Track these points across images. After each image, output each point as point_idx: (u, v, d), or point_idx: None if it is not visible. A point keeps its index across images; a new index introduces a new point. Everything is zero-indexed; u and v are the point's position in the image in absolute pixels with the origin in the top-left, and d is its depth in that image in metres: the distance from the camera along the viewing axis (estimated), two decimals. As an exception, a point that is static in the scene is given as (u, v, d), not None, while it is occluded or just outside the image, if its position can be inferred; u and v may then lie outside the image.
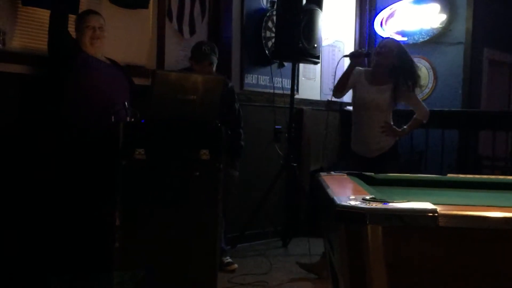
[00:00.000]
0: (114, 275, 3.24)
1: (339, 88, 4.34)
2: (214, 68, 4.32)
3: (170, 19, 4.75)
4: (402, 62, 4.26)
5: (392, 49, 4.26)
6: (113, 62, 3.85)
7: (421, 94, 6.70)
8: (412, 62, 4.35)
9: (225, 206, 4.33)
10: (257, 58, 5.48)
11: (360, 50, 4.29)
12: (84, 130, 3.48)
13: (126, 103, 3.52)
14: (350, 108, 6.25)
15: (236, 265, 4.40)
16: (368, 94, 4.24)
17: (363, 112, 4.27)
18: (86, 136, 3.47)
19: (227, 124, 4.36)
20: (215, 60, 4.32)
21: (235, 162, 4.50)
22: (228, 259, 4.42)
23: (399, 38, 6.77)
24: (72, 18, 3.77)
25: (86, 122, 3.51)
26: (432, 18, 6.61)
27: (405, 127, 4.40)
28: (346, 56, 4.48)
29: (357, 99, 4.31)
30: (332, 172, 2.87)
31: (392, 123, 4.36)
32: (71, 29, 3.73)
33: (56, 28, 3.56)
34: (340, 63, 4.58)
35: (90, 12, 3.81)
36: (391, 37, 4.70)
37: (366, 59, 4.75)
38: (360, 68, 4.39)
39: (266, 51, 5.52)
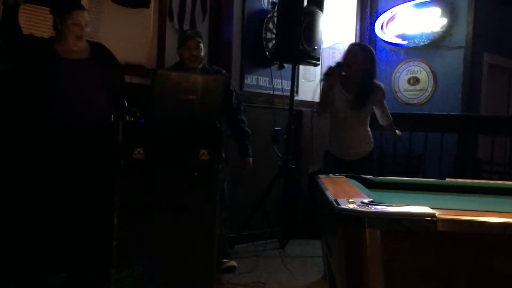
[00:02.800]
0: (112, 272, 3.24)
1: (324, 108, 4.35)
2: (202, 53, 4.22)
3: (171, 19, 4.75)
4: (371, 64, 4.33)
5: (357, 54, 4.28)
6: (94, 50, 3.61)
7: (421, 97, 6.73)
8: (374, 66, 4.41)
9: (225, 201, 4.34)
10: (257, 59, 5.48)
11: (332, 67, 4.23)
12: (76, 130, 3.44)
13: (126, 102, 3.51)
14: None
15: (234, 262, 4.37)
16: (349, 103, 4.25)
17: (345, 118, 4.29)
18: (84, 135, 3.45)
19: (227, 113, 4.36)
20: (201, 41, 4.22)
21: (248, 150, 4.47)
22: (226, 260, 4.39)
23: (399, 41, 6.79)
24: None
25: (61, 122, 3.43)
26: (433, 22, 6.61)
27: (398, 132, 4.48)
28: (322, 79, 4.42)
29: (339, 108, 4.30)
30: (331, 175, 2.87)
31: (368, 126, 4.43)
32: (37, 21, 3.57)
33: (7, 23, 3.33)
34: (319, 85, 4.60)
35: (77, 6, 3.56)
36: (354, 42, 4.67)
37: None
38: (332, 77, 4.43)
39: (267, 52, 5.52)
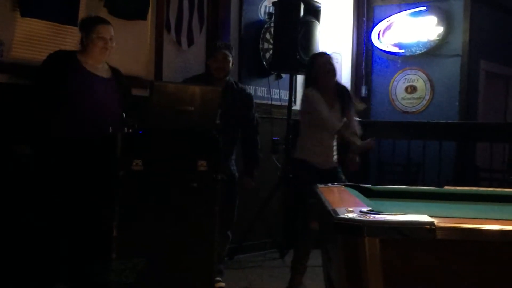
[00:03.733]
0: (110, 285, 3.23)
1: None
2: (230, 64, 4.26)
3: (168, 30, 4.76)
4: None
5: (334, 63, 4.25)
6: (114, 73, 3.78)
7: (419, 106, 6.74)
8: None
9: (230, 219, 4.31)
10: (255, 70, 5.50)
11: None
12: (78, 142, 3.46)
13: (124, 114, 3.53)
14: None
15: (223, 284, 4.26)
16: (330, 115, 4.20)
17: (325, 130, 4.25)
18: (83, 147, 3.45)
19: (243, 131, 4.39)
20: (229, 55, 4.27)
21: (253, 172, 4.45)
22: (219, 279, 4.30)
23: (396, 50, 6.82)
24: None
25: (77, 136, 3.48)
26: (429, 30, 6.64)
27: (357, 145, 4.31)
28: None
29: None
30: (330, 184, 2.87)
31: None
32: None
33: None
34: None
35: (102, 21, 3.69)
36: (321, 51, 4.63)
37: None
38: (314, 90, 4.39)
39: (264, 63, 5.53)
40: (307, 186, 3.85)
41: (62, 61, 3.55)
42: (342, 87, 4.36)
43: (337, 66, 4.40)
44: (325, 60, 4.19)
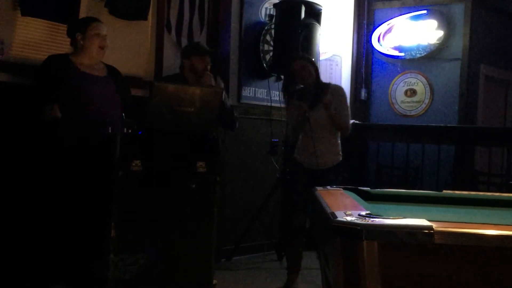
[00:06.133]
0: (109, 283, 3.23)
1: (298, 134, 4.36)
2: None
3: (169, 31, 4.77)
4: (317, 70, 4.36)
5: (307, 67, 4.26)
6: (110, 71, 3.78)
7: (418, 109, 6.74)
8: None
9: None
10: (255, 71, 5.50)
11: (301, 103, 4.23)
12: (77, 143, 3.46)
13: (123, 114, 3.52)
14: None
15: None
16: (315, 113, 4.21)
17: (316, 128, 4.23)
18: (82, 148, 3.45)
19: None
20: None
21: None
22: None
23: (396, 53, 6.82)
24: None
25: (76, 138, 3.48)
26: (429, 34, 6.64)
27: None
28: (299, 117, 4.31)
29: (311, 119, 4.22)
30: (328, 187, 2.87)
31: (339, 140, 4.36)
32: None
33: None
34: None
35: (96, 19, 3.73)
36: (299, 55, 4.65)
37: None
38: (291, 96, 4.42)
39: (264, 64, 5.53)
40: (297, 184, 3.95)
41: (56, 65, 3.54)
42: (324, 85, 4.34)
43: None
44: (295, 68, 4.27)
